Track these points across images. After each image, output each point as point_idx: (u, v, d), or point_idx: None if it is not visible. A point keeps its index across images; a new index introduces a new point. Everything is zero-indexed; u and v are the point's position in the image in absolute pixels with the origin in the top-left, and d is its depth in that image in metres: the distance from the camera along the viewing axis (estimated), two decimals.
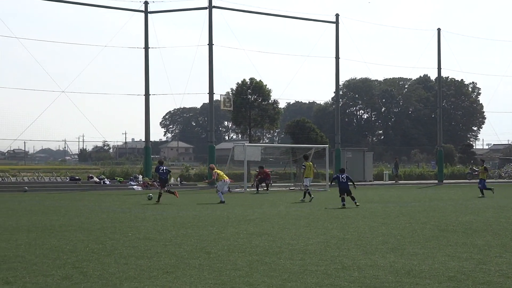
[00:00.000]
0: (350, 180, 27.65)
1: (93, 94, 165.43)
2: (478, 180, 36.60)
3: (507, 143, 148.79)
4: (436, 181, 59.39)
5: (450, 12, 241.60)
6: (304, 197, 31.07)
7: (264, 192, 38.99)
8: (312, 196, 30.99)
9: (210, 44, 48.56)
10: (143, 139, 51.55)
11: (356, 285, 9.90)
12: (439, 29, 59.86)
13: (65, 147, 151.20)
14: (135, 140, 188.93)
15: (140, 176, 46.93)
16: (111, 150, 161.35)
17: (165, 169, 30.80)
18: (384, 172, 62.19)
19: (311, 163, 32.63)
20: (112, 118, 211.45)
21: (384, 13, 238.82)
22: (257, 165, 50.78)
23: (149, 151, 49.85)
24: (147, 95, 49.20)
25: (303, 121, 64.92)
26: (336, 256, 12.71)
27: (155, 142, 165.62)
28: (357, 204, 26.98)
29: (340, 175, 28.34)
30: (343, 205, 26.49)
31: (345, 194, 27.42)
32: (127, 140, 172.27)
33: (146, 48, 49.17)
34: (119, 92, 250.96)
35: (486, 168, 36.60)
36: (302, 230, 17.48)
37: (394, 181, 58.00)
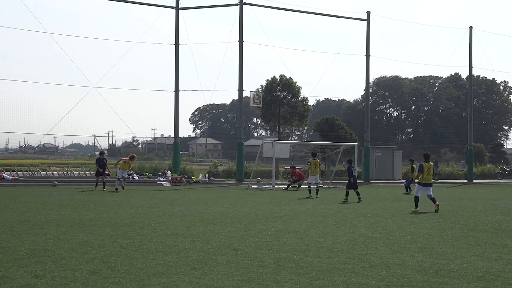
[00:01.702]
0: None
1: (123, 89, 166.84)
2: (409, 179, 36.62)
3: None
4: (466, 180, 58.98)
5: (482, 10, 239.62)
6: (310, 194, 31.26)
7: (292, 189, 38.93)
8: (310, 194, 31.19)
9: (241, 41, 48.59)
10: (172, 135, 51.59)
11: (383, 284, 9.86)
12: (471, 27, 59.41)
13: (94, 142, 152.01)
14: (164, 136, 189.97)
15: (169, 172, 47.09)
16: (140, 146, 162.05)
17: (103, 159, 35.91)
18: None
19: (317, 160, 32.61)
20: (142, 113, 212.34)
21: (415, 11, 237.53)
22: (285, 162, 50.74)
23: (178, 147, 49.97)
24: (176, 91, 49.33)
25: (332, 118, 64.71)
26: (364, 255, 12.67)
27: (184, 138, 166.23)
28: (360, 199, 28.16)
29: (353, 168, 28.79)
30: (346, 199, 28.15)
31: (353, 189, 28.24)
32: (156, 136, 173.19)
33: (177, 44, 49.29)
34: (149, 88, 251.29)
35: (413, 167, 35.84)
36: (330, 228, 17.44)
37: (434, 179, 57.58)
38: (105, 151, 41.16)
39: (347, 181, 29.42)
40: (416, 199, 23.92)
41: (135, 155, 39.21)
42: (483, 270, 11.13)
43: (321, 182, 35.50)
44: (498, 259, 12.35)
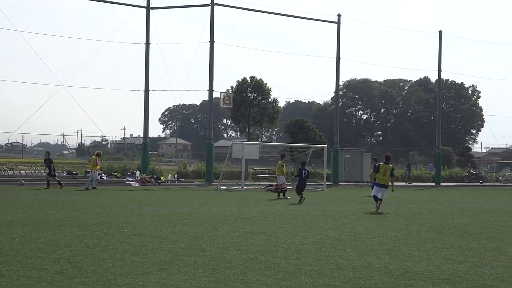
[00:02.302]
0: (308, 176, 29.66)
1: (93, 89, 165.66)
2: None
3: (505, 146, 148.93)
4: (434, 183, 59.42)
5: (452, 14, 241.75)
6: (283, 195, 31.49)
7: (263, 191, 38.93)
8: (279, 196, 31.39)
9: (211, 42, 48.52)
10: (142, 135, 51.48)
11: (350, 286, 9.90)
12: (440, 32, 59.84)
13: (63, 141, 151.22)
14: (134, 135, 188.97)
15: (138, 172, 46.90)
16: (109, 145, 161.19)
17: (50, 159, 37.19)
18: None
19: (282, 161, 33.16)
20: (111, 113, 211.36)
21: (386, 14, 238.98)
22: (254, 163, 50.77)
23: (147, 147, 49.81)
24: (146, 91, 49.15)
25: (302, 120, 65.01)
26: (331, 256, 12.72)
27: (153, 138, 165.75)
28: (303, 199, 28.82)
29: (303, 170, 29.14)
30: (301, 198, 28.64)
31: (302, 190, 28.67)
32: (125, 136, 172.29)
33: (147, 44, 49.11)
34: (119, 88, 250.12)
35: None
36: (298, 229, 17.48)
37: (405, 183, 57.92)
38: (49, 152, 41.40)
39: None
40: (375, 198, 24.27)
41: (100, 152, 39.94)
42: (449, 273, 11.22)
43: (289, 183, 35.67)
44: (464, 262, 12.46)
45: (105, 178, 44.68)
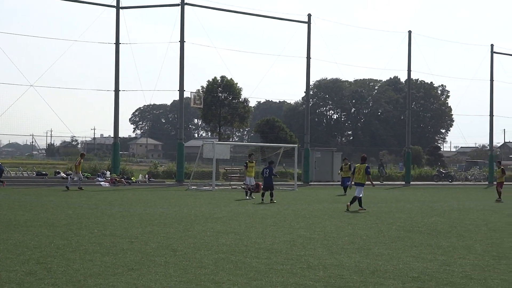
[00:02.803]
0: (272, 174, 29.61)
1: (62, 88, 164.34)
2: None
3: (474, 146, 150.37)
4: (404, 183, 59.78)
5: (421, 15, 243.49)
6: (249, 195, 31.42)
7: (233, 191, 38.94)
8: (248, 196, 31.39)
9: (182, 41, 48.40)
10: (112, 135, 51.17)
11: (321, 285, 9.94)
12: (409, 32, 60.18)
13: (32, 142, 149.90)
14: (104, 136, 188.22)
15: (108, 172, 46.64)
16: (79, 146, 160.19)
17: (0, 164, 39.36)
18: None
19: (253, 162, 33.27)
20: (81, 113, 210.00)
21: (356, 15, 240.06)
22: (225, 163, 50.76)
23: (118, 147, 49.55)
24: (116, 90, 48.90)
25: (273, 120, 65.13)
26: (302, 255, 12.76)
27: (124, 138, 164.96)
28: (274, 201, 28.73)
29: (265, 169, 29.31)
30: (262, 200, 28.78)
31: (267, 190, 28.70)
32: (95, 136, 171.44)
33: (117, 43, 48.85)
34: (89, 87, 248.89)
35: (350, 166, 37.09)
36: (269, 229, 17.51)
37: (380, 181, 58.13)
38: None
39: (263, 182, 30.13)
40: (359, 199, 24.80)
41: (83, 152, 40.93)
42: (418, 271, 11.31)
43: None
44: (433, 260, 12.56)
45: (75, 179, 44.40)
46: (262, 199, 29.05)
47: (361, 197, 24.91)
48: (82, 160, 37.91)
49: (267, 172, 29.53)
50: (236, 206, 25.97)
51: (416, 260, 12.49)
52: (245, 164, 33.31)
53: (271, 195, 29.12)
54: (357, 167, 25.26)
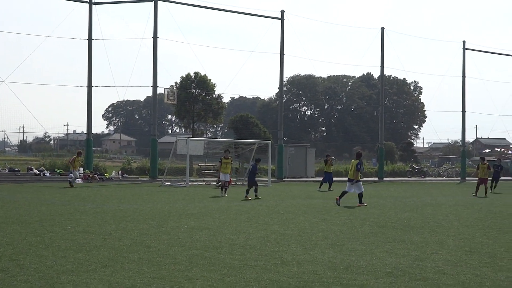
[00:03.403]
0: (255, 171, 29.66)
1: (35, 84, 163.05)
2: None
3: (446, 141, 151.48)
4: (377, 178, 60.06)
5: (395, 12, 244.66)
6: (225, 193, 31.08)
7: (207, 187, 38.90)
8: (222, 193, 31.10)
9: (155, 37, 48.25)
10: (85, 131, 50.88)
11: (294, 280, 9.96)
12: (382, 28, 60.44)
13: (4, 138, 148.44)
14: (77, 132, 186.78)
15: (81, 169, 46.39)
16: (52, 142, 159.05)
17: None
18: None
19: (229, 158, 32.97)
20: (54, 109, 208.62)
21: (330, 11, 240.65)
22: (199, 159, 50.68)
23: (91, 144, 49.31)
24: (89, 86, 48.65)
25: (247, 116, 65.03)
26: (276, 251, 12.78)
27: (97, 134, 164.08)
28: (259, 197, 28.91)
29: (250, 166, 29.46)
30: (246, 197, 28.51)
31: (251, 186, 28.72)
32: (68, 132, 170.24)
33: (90, 39, 48.60)
34: (62, 83, 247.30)
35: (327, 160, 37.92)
36: (243, 225, 17.52)
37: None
38: None
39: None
40: (344, 192, 25.97)
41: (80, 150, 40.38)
42: (392, 266, 11.37)
43: (235, 179, 35.69)
44: (406, 255, 12.64)
45: (47, 175, 44.14)
46: (246, 196, 28.87)
47: (348, 192, 25.90)
48: (78, 158, 37.58)
49: (248, 170, 29.63)
50: (210, 202, 25.95)
51: (389, 256, 12.56)
52: (219, 160, 32.95)
53: (255, 191, 29.10)
54: (351, 163, 26.43)
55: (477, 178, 35.40)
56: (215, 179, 40.99)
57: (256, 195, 28.88)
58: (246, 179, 30.43)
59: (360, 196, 25.58)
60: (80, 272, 10.28)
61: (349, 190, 25.84)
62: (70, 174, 37.05)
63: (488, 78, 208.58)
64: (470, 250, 13.47)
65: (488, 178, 35.88)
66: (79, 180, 42.29)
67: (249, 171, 29.76)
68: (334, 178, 39.74)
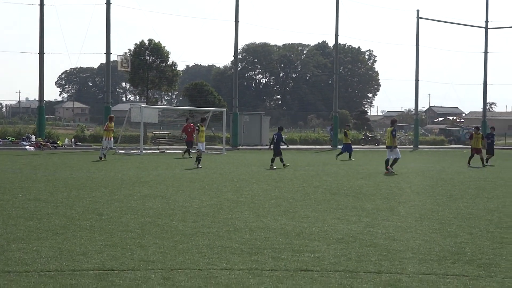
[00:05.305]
0: (281, 140, 29.26)
1: None
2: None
3: (400, 110, 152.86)
4: (331, 146, 60.36)
5: None
6: (199, 164, 29.63)
7: (161, 155, 38.77)
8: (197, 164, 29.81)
9: (108, 3, 47.60)
10: (38, 99, 50.22)
11: (247, 247, 10.02)
12: None
13: None
14: (29, 99, 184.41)
15: (33, 136, 45.86)
16: (3, 109, 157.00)
17: None
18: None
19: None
20: (5, 76, 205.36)
21: None
22: (153, 127, 50.49)
23: (43, 111, 48.69)
24: (41, 53, 47.91)
25: (202, 84, 64.86)
26: (229, 219, 12.82)
27: (50, 102, 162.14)
28: (287, 164, 28.55)
29: (274, 135, 29.14)
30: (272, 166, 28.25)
31: (276, 156, 28.44)
32: (20, 99, 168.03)
33: (41, 4, 47.73)
34: (13, 50, 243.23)
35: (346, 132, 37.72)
36: (196, 192, 17.53)
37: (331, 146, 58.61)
38: None
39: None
40: (386, 160, 26.88)
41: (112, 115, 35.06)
42: (343, 233, 11.49)
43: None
44: (358, 222, 12.78)
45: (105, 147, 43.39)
46: (271, 165, 28.50)
47: (388, 159, 26.67)
48: (110, 124, 33.31)
49: (275, 139, 29.05)
50: (164, 170, 25.89)
51: (341, 222, 12.68)
52: (197, 128, 30.39)
53: (281, 160, 28.68)
54: (387, 130, 27.82)
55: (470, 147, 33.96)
56: (183, 148, 39.48)
57: (283, 164, 28.47)
58: (271, 148, 29.27)
59: (395, 161, 26.61)
60: (31, 240, 10.21)
61: (389, 157, 26.75)
62: (102, 148, 33.38)
63: (441, 47, 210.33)
64: (420, 217, 13.67)
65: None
66: (31, 148, 41.82)
67: (275, 140, 29.04)
68: (291, 146, 39.68)
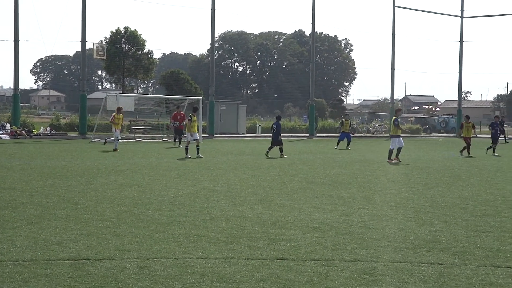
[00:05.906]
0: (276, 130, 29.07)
1: None
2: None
3: (376, 98, 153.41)
4: (307, 135, 60.48)
5: None
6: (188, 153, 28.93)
7: (137, 143, 38.64)
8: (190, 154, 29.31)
9: None
10: (12, 87, 49.83)
11: (223, 236, 10.02)
12: None
13: None
14: (4, 87, 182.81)
15: (8, 125, 45.51)
16: None
17: None
18: (257, 125, 62.69)
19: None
20: None
21: None
22: (130, 115, 50.26)
23: (18, 99, 48.31)
24: (16, 41, 47.50)
25: (178, 72, 64.79)
26: (205, 207, 12.82)
27: (25, 90, 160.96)
28: (284, 156, 28.23)
29: (273, 125, 29.04)
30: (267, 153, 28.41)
31: (276, 145, 28.34)
32: None
33: None
34: None
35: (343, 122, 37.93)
36: (172, 181, 17.50)
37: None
38: None
39: None
40: (390, 150, 26.95)
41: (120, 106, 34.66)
42: (319, 221, 11.53)
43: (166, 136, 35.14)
44: (334, 210, 12.82)
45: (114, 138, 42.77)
46: (267, 152, 28.59)
47: (392, 149, 26.63)
48: (117, 115, 32.65)
49: (275, 128, 28.89)
50: (140, 159, 25.81)
51: (317, 211, 12.72)
52: (189, 118, 28.57)
53: (281, 150, 28.57)
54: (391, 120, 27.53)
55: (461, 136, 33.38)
56: (146, 135, 39.89)
57: (281, 154, 28.36)
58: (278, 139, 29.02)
59: (398, 151, 26.58)
60: (5, 229, 10.15)
61: (392, 147, 26.72)
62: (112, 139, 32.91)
63: (417, 36, 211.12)
64: (396, 205, 13.74)
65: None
66: (6, 137, 41.52)
67: (274, 130, 28.82)
68: (267, 134, 39.66)
